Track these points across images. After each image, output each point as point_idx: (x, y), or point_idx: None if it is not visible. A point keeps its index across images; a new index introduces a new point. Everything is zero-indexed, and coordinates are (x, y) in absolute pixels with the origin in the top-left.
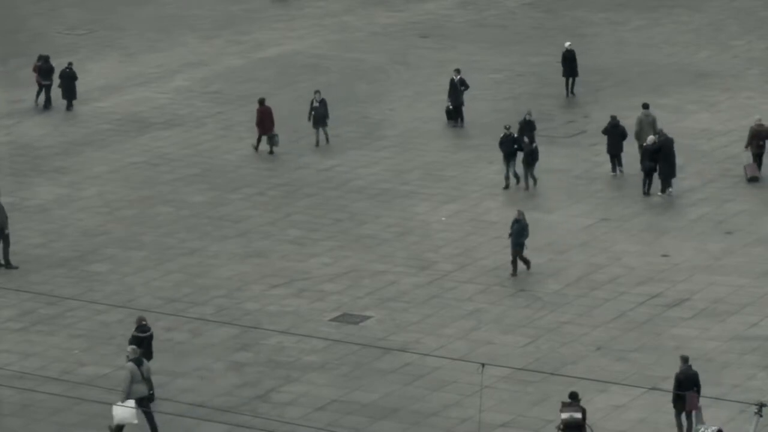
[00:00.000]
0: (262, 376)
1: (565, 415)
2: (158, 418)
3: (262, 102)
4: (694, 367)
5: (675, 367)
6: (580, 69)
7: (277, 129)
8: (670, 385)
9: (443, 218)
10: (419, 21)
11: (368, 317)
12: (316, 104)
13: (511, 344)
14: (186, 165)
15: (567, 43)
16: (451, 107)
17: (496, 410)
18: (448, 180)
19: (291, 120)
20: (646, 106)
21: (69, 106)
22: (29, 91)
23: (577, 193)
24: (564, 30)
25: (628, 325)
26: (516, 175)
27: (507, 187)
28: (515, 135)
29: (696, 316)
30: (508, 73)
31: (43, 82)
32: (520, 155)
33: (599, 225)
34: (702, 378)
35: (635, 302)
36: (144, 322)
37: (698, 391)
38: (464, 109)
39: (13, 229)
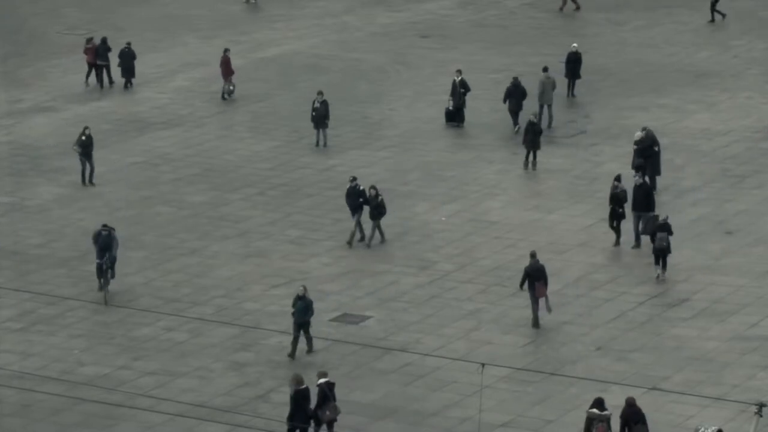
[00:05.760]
0: (262, 376)
1: None
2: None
3: (226, 51)
4: (694, 367)
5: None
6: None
7: (277, 128)
8: (670, 385)
9: (443, 218)
10: (419, 21)
11: (368, 317)
12: (317, 105)
13: (511, 344)
14: (186, 165)
15: (573, 45)
16: (451, 108)
17: (496, 410)
18: (448, 180)
19: (291, 120)
20: (545, 69)
21: (128, 84)
22: (29, 92)
23: (577, 193)
24: (564, 30)
25: (628, 325)
26: (361, 230)
27: (350, 243)
28: (361, 187)
29: (696, 316)
30: (508, 73)
31: (101, 63)
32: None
33: (599, 225)
34: (702, 378)
35: (635, 302)
36: None
37: (545, 282)
38: (464, 109)
39: (12, 229)
